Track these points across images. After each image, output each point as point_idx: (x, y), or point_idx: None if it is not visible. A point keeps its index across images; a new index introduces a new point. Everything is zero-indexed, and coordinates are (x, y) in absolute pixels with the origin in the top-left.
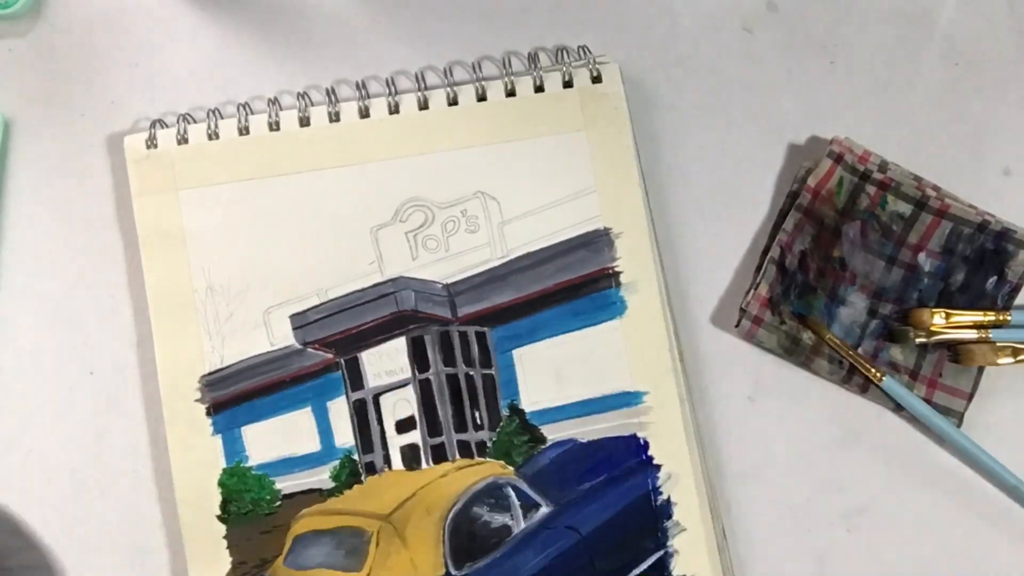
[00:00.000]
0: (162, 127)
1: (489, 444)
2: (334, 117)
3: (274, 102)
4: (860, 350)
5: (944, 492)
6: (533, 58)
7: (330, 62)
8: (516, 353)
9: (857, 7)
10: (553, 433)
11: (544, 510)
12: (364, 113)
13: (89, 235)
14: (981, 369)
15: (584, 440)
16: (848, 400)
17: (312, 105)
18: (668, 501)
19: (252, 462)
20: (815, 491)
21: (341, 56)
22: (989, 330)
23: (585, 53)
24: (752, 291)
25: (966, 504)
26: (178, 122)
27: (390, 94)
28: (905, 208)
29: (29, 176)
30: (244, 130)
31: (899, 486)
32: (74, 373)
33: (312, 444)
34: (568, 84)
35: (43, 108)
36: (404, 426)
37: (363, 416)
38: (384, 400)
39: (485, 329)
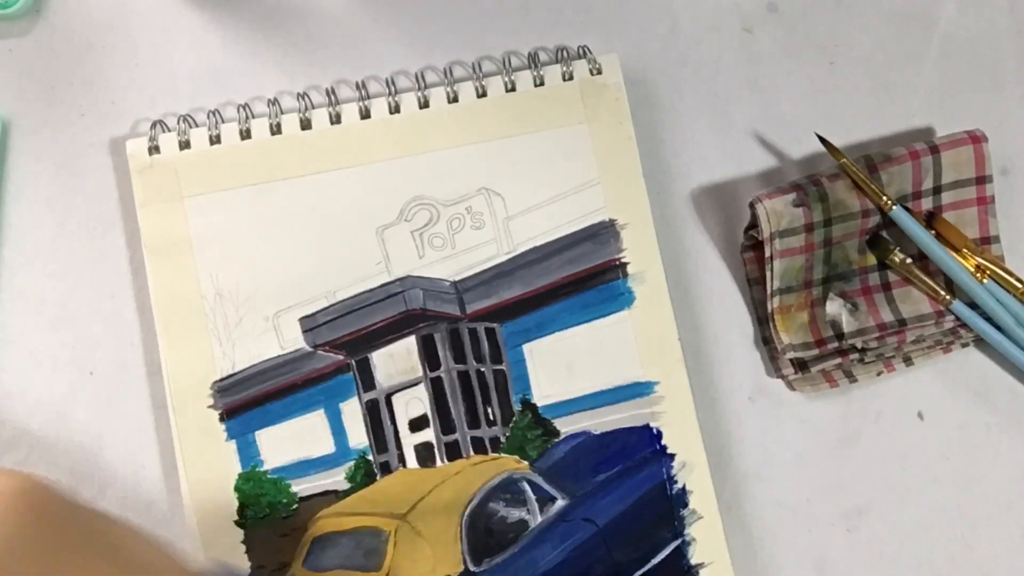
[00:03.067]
0: (163, 129)
1: (503, 440)
2: (335, 119)
3: (274, 103)
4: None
5: (944, 492)
6: (533, 57)
7: (330, 62)
8: (526, 348)
9: (857, 7)
10: (566, 426)
11: (560, 503)
12: (365, 114)
13: (89, 235)
14: None
15: (597, 432)
16: (848, 400)
17: (312, 106)
18: (683, 489)
19: (267, 466)
20: (815, 491)
21: (341, 56)
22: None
23: (585, 53)
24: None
25: (966, 505)
26: (179, 123)
27: (390, 94)
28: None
29: (29, 176)
30: (246, 133)
31: (899, 486)
32: (74, 373)
33: (326, 446)
34: (568, 78)
35: (43, 108)
36: (417, 425)
37: (376, 416)
38: (396, 400)
39: (494, 325)
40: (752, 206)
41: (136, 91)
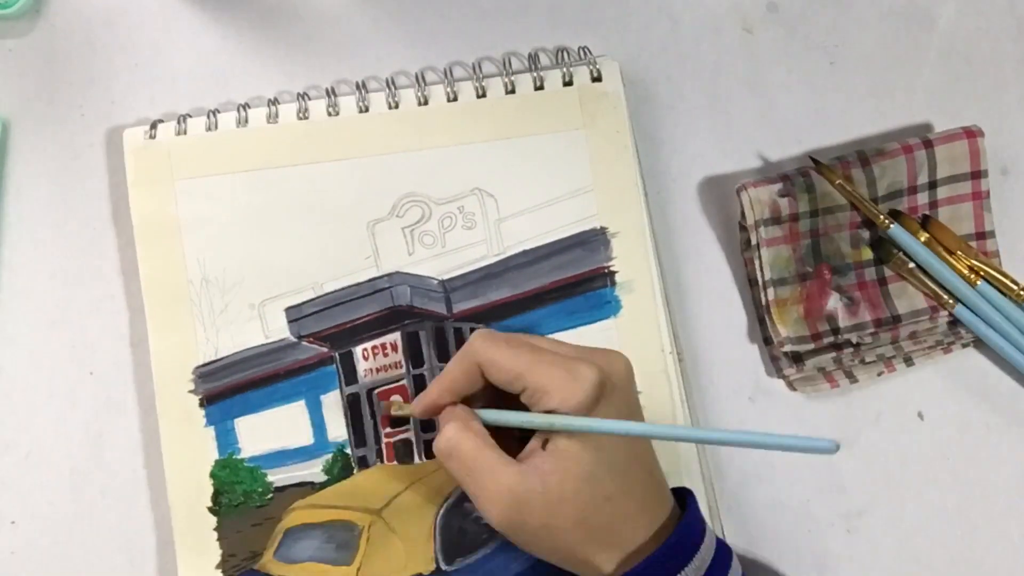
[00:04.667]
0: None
1: None
2: (333, 112)
3: (274, 102)
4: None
5: (944, 492)
6: (533, 58)
7: (330, 62)
8: None
9: (857, 7)
10: None
11: None
12: (363, 108)
13: (89, 235)
14: None
15: None
16: (848, 400)
17: (310, 100)
18: None
19: (244, 454)
20: (815, 492)
21: (341, 56)
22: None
23: (585, 54)
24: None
25: (966, 505)
26: (178, 123)
27: (390, 93)
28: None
29: (29, 176)
30: (243, 121)
31: (899, 486)
32: (74, 373)
33: (305, 437)
34: (568, 83)
35: (43, 108)
36: (397, 421)
37: (357, 410)
38: (378, 395)
39: (480, 326)
40: (737, 193)
41: (136, 91)
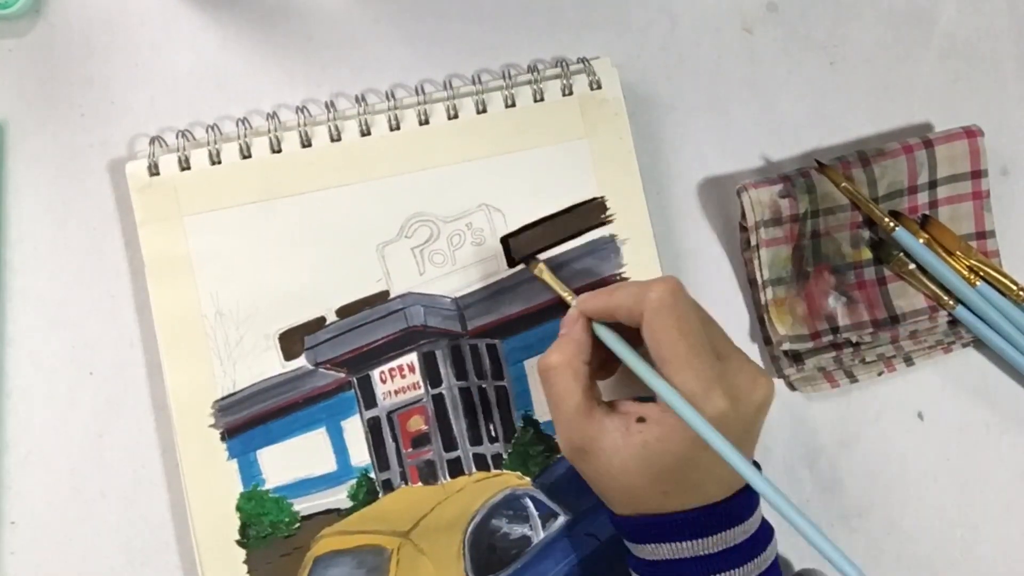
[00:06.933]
0: (161, 144)
1: (505, 456)
2: (335, 136)
3: (273, 116)
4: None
5: (944, 492)
6: (533, 69)
7: (330, 62)
8: (528, 364)
9: (857, 7)
10: None
11: (562, 519)
12: (365, 131)
13: (89, 234)
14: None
15: None
16: (848, 400)
17: (311, 115)
18: None
19: (269, 485)
20: (815, 492)
21: (342, 57)
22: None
23: (585, 64)
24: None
25: (966, 505)
26: (177, 138)
27: (390, 109)
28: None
29: (29, 176)
30: (246, 150)
31: (899, 486)
32: (74, 373)
33: (328, 464)
34: (568, 93)
35: (43, 108)
36: (419, 442)
37: (378, 434)
38: (398, 417)
39: (496, 341)
40: (738, 194)
41: (136, 91)
